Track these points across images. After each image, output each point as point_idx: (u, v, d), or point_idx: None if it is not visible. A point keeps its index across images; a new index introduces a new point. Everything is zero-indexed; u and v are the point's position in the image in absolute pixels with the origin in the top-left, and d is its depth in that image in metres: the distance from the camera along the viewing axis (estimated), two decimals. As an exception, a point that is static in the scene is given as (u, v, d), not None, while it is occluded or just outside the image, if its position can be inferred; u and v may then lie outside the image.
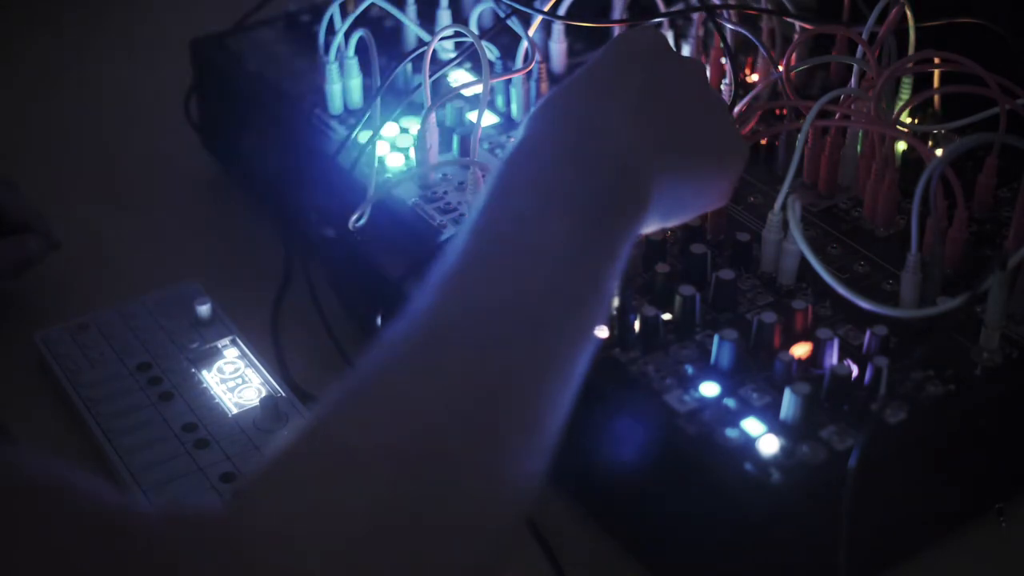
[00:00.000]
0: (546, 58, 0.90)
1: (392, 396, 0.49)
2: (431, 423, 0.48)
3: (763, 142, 0.81)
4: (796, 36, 0.82)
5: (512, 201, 0.56)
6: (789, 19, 0.82)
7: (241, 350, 0.81)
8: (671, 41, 0.89)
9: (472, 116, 0.84)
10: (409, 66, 0.88)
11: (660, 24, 0.89)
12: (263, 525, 0.46)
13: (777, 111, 0.82)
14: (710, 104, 0.66)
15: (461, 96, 0.85)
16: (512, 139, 0.84)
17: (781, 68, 0.78)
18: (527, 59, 0.83)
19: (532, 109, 0.62)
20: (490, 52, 0.86)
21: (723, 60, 0.84)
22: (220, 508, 0.47)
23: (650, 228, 0.66)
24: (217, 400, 0.77)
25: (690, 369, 0.66)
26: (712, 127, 0.66)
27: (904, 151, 0.79)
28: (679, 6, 0.87)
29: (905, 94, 0.80)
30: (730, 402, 0.64)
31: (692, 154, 0.64)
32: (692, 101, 0.65)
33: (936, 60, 0.77)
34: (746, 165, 0.68)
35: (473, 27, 0.85)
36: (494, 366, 0.51)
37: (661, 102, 0.63)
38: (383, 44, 0.90)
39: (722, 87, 0.84)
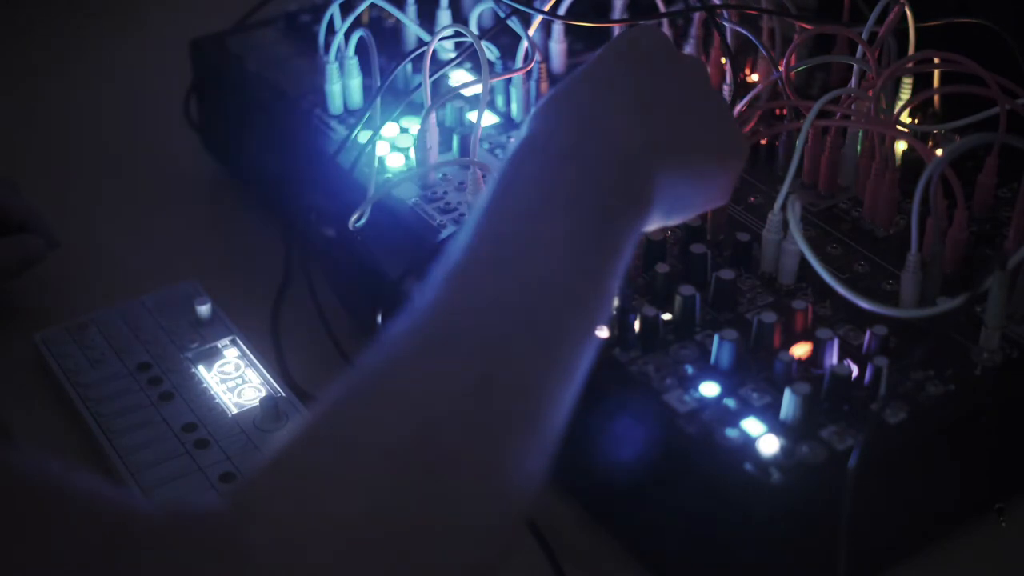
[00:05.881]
0: (546, 58, 0.90)
1: (391, 395, 0.49)
2: (431, 422, 0.48)
3: (763, 142, 0.81)
4: (796, 36, 0.82)
5: (515, 200, 0.57)
6: (789, 19, 0.82)
7: (241, 350, 0.81)
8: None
9: (472, 116, 0.84)
10: (409, 66, 0.88)
11: (660, 24, 0.89)
12: (264, 524, 0.46)
13: (777, 111, 0.82)
14: (711, 103, 0.66)
15: (461, 96, 0.85)
16: (513, 139, 0.84)
17: (781, 68, 0.78)
18: (527, 59, 0.83)
19: (535, 107, 0.62)
20: (490, 52, 0.86)
21: (723, 60, 0.84)
22: (220, 507, 0.47)
23: (651, 227, 0.66)
24: (217, 400, 0.77)
25: (690, 369, 0.66)
26: (713, 125, 0.66)
27: (904, 151, 0.79)
28: (679, 6, 0.87)
29: (905, 94, 0.80)
30: (730, 402, 0.64)
31: (693, 152, 0.64)
32: (693, 100, 0.65)
33: (936, 60, 0.77)
34: (746, 165, 0.68)
35: (473, 27, 0.85)
36: (495, 365, 0.51)
37: (662, 100, 0.63)
38: (383, 44, 0.90)
39: (722, 87, 0.84)
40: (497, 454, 0.50)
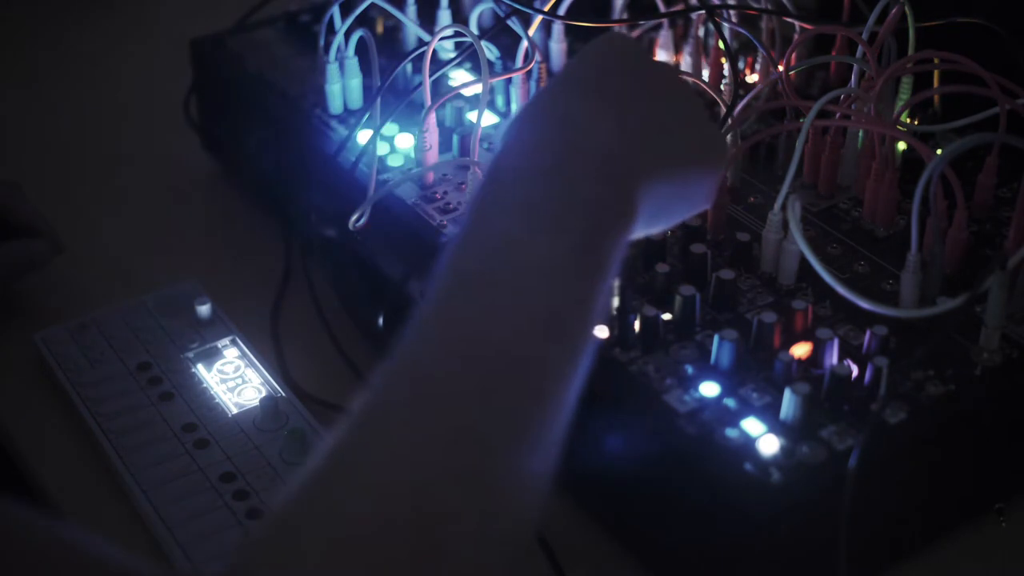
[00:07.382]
0: (546, 58, 0.90)
1: (380, 457, 0.48)
2: (422, 482, 0.48)
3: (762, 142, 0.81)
4: (796, 36, 0.82)
5: (498, 222, 0.55)
6: (789, 19, 0.82)
7: (241, 350, 0.81)
8: (671, 41, 0.89)
9: (472, 116, 0.84)
10: (409, 66, 0.88)
11: (656, 26, 0.89)
12: None
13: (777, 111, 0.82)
14: (689, 105, 0.64)
15: (461, 96, 0.85)
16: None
17: (781, 68, 0.78)
18: (527, 59, 0.83)
19: (513, 116, 0.60)
20: (490, 52, 0.86)
21: (723, 60, 0.84)
22: (223, 573, 0.47)
23: (634, 236, 0.64)
24: (217, 400, 0.77)
25: (690, 369, 0.66)
26: (693, 128, 0.63)
27: (904, 151, 0.79)
28: (679, 6, 0.87)
29: (905, 94, 0.80)
30: (730, 402, 0.64)
31: (675, 157, 0.61)
32: (671, 103, 0.63)
33: (936, 60, 0.77)
34: (746, 165, 0.68)
35: (473, 27, 0.85)
36: (482, 413, 0.50)
37: (641, 107, 0.61)
38: (383, 44, 0.90)
39: (722, 87, 0.84)
40: (489, 504, 0.49)
